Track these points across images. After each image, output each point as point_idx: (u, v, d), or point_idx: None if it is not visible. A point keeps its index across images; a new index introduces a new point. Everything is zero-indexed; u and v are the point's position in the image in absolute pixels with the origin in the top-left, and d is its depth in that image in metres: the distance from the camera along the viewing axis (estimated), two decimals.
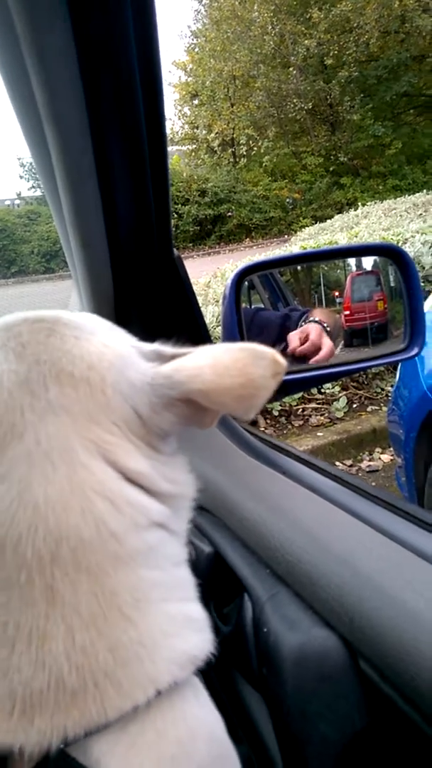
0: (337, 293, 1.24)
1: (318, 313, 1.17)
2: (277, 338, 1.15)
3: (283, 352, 1.12)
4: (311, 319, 1.15)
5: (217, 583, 0.76)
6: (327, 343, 1.09)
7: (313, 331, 1.11)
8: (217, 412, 0.54)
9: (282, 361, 0.50)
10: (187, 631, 0.49)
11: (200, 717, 0.49)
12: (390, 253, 1.12)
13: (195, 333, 0.96)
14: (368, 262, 1.27)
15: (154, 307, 0.93)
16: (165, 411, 0.50)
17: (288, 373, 1.07)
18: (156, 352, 0.54)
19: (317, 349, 1.09)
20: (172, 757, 0.44)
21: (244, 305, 1.05)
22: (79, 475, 0.45)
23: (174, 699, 0.46)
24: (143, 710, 0.44)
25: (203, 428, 0.55)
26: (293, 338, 1.11)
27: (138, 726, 0.44)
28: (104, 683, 0.43)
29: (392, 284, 1.17)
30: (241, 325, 1.01)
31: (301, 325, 1.15)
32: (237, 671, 0.74)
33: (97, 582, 0.45)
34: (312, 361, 1.09)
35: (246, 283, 1.06)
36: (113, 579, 0.45)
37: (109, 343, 0.51)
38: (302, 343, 1.10)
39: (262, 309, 1.27)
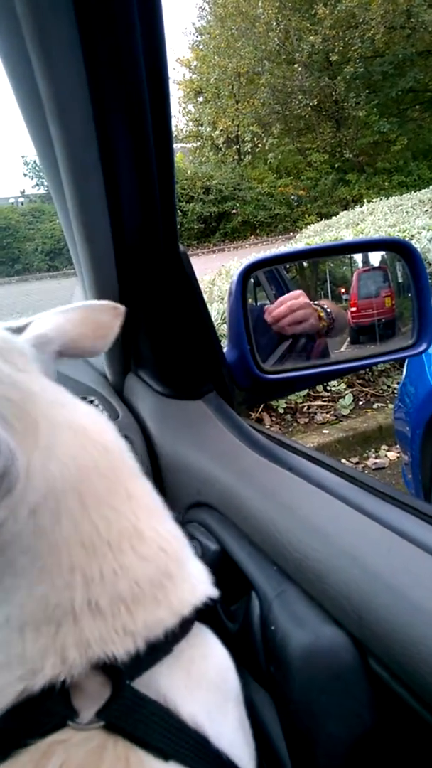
0: (343, 290, 1.23)
1: (324, 302, 1.16)
2: (282, 334, 1.15)
3: (289, 350, 1.12)
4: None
5: (223, 581, 0.75)
6: (291, 303, 1.09)
7: (288, 294, 1.11)
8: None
9: (119, 305, 0.66)
10: None
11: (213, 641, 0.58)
12: (398, 247, 1.11)
13: (201, 328, 0.95)
14: (375, 258, 1.26)
15: (160, 302, 0.92)
16: (49, 359, 0.60)
17: (293, 369, 1.08)
18: (11, 329, 0.63)
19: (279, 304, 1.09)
20: (216, 685, 0.53)
21: (250, 302, 1.05)
22: (82, 409, 0.56)
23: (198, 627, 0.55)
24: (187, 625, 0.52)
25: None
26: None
27: (187, 654, 0.52)
28: (177, 576, 0.53)
29: (400, 280, 1.16)
30: (247, 322, 1.00)
31: None
32: (244, 669, 0.73)
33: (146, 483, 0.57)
34: (267, 311, 1.09)
35: (252, 279, 1.06)
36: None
37: None
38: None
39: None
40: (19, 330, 0.62)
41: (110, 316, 0.65)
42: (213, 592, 0.57)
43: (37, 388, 0.52)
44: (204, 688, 0.50)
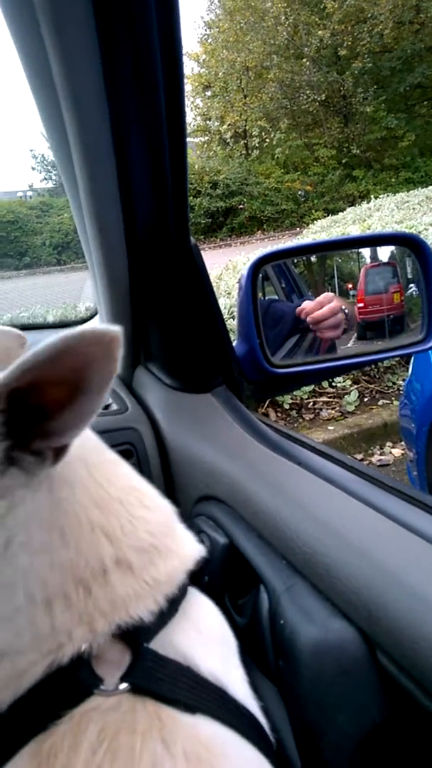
0: (350, 285, 1.23)
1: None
2: (291, 329, 1.14)
3: (297, 344, 1.12)
4: None
5: (232, 575, 0.75)
6: (332, 305, 1.08)
7: (323, 295, 1.11)
8: None
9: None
10: None
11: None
12: (408, 242, 1.10)
13: (211, 321, 0.95)
14: (384, 253, 1.25)
15: (170, 294, 0.92)
16: None
17: (302, 364, 1.07)
18: None
19: (321, 307, 1.08)
20: (222, 638, 0.55)
21: (258, 296, 1.04)
22: None
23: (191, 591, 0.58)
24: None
25: None
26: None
27: (194, 611, 0.54)
28: (177, 528, 0.58)
29: (410, 276, 1.16)
30: (257, 315, 1.00)
31: None
32: (252, 663, 0.73)
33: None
34: (309, 314, 1.08)
35: (261, 274, 1.05)
36: None
37: None
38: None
39: (276, 300, 1.26)
40: None
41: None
42: (203, 550, 0.60)
43: None
44: (214, 642, 0.53)
